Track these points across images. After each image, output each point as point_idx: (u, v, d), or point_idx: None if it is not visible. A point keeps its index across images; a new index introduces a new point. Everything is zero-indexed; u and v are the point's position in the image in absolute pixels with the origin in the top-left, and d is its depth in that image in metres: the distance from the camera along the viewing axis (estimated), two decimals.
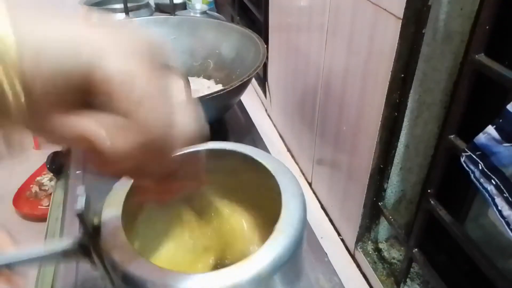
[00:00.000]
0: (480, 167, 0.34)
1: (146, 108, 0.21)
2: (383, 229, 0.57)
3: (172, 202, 0.49)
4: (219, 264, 0.45)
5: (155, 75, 0.22)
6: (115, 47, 0.21)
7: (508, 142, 0.31)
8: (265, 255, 0.32)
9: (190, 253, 0.46)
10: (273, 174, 0.40)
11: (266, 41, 0.87)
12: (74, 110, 0.21)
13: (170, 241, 0.49)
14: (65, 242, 0.34)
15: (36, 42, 0.19)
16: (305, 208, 0.37)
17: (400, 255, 0.57)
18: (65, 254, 0.34)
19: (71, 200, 0.63)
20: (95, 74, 0.20)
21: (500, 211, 0.32)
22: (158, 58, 0.23)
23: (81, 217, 0.32)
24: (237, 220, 0.51)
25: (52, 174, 0.78)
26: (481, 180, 0.33)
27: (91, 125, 0.21)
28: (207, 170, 0.48)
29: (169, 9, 0.89)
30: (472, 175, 0.34)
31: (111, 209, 0.37)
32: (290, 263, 0.33)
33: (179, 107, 0.24)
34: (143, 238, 0.45)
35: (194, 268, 0.44)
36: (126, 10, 0.87)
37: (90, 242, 0.34)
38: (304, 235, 0.35)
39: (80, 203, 0.32)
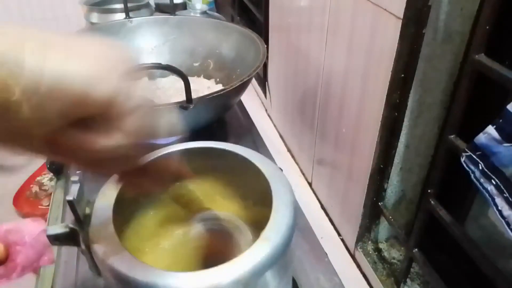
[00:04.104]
0: (480, 167, 0.34)
1: (136, 118, 0.24)
2: (383, 229, 0.57)
3: (166, 199, 0.49)
4: (211, 263, 0.45)
5: (134, 87, 0.25)
6: (102, 69, 0.23)
7: (508, 142, 0.31)
8: (246, 260, 0.32)
9: (181, 251, 0.46)
10: (267, 178, 0.40)
11: (266, 41, 0.87)
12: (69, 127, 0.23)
13: (162, 237, 0.49)
14: (58, 226, 0.35)
15: (53, 69, 0.21)
16: (295, 216, 0.37)
17: (400, 255, 0.57)
18: (56, 238, 0.35)
19: None
20: (90, 95, 0.22)
21: (500, 211, 0.32)
22: (131, 67, 0.26)
23: (72, 204, 0.33)
24: (230, 219, 0.51)
25: (52, 174, 0.78)
26: (481, 180, 0.33)
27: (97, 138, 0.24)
28: (204, 169, 0.48)
29: (169, 9, 0.89)
30: (472, 175, 0.34)
31: (104, 200, 0.38)
32: (273, 270, 0.33)
33: (159, 111, 0.27)
34: (135, 231, 0.45)
35: (184, 266, 0.44)
36: (126, 10, 0.87)
37: (80, 230, 0.34)
38: (291, 243, 0.35)
39: (73, 191, 0.33)
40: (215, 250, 0.45)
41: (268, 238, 0.33)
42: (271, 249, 0.33)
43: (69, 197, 0.33)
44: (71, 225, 0.35)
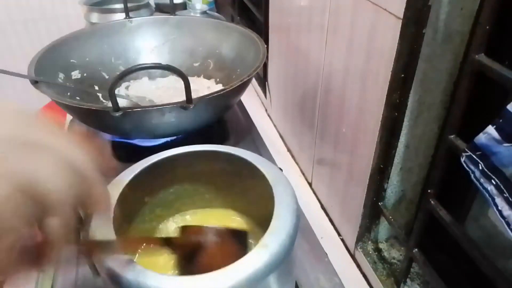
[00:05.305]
0: (480, 167, 0.34)
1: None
2: (383, 229, 0.57)
3: (170, 203, 0.49)
4: (210, 268, 0.45)
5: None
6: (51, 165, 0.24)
7: (508, 142, 0.31)
8: (243, 267, 0.32)
9: (180, 255, 0.46)
10: (271, 184, 0.40)
11: (266, 41, 0.87)
12: None
13: (162, 240, 0.49)
14: None
15: None
16: (297, 224, 0.36)
17: (400, 255, 0.57)
18: None
19: None
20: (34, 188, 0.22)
21: (500, 211, 0.32)
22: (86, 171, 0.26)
23: None
24: (232, 222, 0.51)
25: None
26: (481, 180, 0.33)
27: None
28: (208, 172, 0.48)
29: (169, 9, 0.89)
30: (472, 175, 0.34)
31: None
32: (272, 277, 0.33)
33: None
34: (136, 233, 0.45)
35: (182, 270, 0.44)
36: (126, 10, 0.87)
37: (80, 229, 0.34)
38: (292, 250, 0.35)
39: None
40: (214, 255, 0.45)
41: (266, 245, 0.33)
42: (269, 256, 0.32)
43: None
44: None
